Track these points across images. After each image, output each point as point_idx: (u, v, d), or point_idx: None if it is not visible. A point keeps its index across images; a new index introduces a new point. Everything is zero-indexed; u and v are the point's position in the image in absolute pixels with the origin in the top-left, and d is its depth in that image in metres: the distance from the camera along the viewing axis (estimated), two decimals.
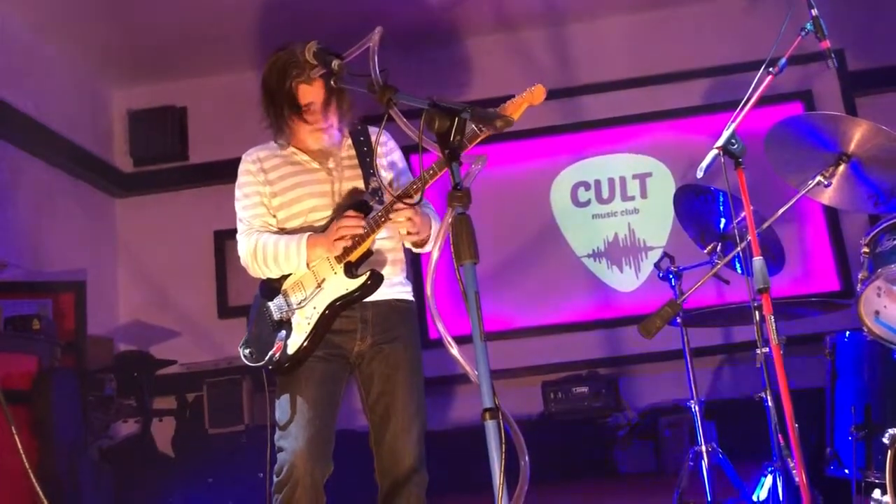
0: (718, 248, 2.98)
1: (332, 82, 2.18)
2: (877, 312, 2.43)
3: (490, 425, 1.46)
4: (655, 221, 5.89)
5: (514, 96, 2.53)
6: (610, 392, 5.54)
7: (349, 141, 2.72)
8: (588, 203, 6.08)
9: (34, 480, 2.76)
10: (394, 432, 2.61)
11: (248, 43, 5.71)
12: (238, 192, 2.75)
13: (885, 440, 2.33)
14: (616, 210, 6.04)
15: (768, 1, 5.56)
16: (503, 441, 1.45)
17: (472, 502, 3.41)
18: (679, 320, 3.14)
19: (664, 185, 5.93)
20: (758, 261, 2.25)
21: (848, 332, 2.79)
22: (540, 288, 5.96)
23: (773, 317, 2.21)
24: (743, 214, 2.43)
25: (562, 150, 6.16)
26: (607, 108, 6.06)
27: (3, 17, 5.05)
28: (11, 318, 4.00)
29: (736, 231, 2.65)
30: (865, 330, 2.42)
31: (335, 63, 2.09)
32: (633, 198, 6.03)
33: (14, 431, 3.09)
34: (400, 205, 2.48)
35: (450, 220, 1.64)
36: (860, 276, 2.45)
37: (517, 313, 5.91)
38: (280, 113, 2.58)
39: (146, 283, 6.18)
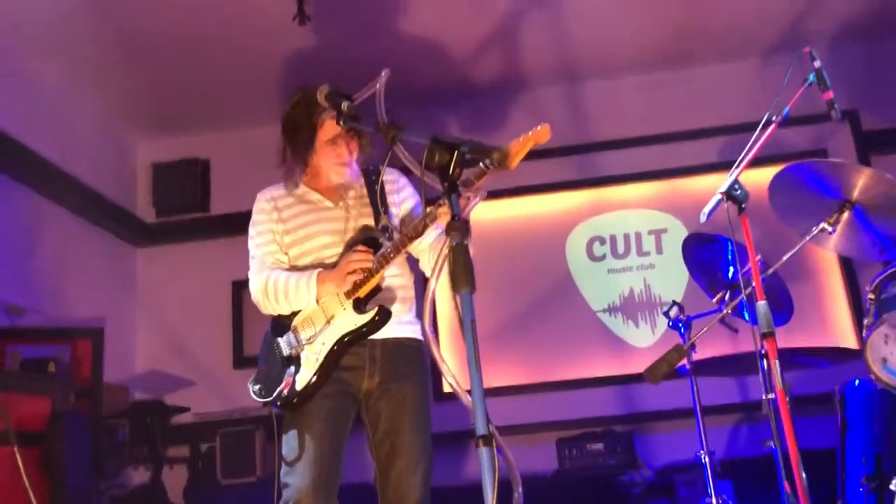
0: (727, 296, 2.98)
1: (339, 122, 2.24)
2: (884, 360, 2.41)
3: (483, 452, 1.47)
4: (671, 277, 5.88)
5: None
6: (626, 449, 5.45)
7: (362, 180, 2.78)
8: (603, 258, 6.09)
9: None
10: (399, 471, 2.60)
11: (271, 97, 5.82)
12: (252, 230, 2.81)
13: (894, 486, 2.29)
14: (632, 265, 6.05)
15: (781, 62, 5.63)
16: (496, 468, 1.46)
17: None
18: (688, 367, 3.12)
19: (680, 241, 5.92)
20: (761, 305, 2.25)
21: (857, 381, 2.77)
22: (555, 342, 5.93)
23: (777, 361, 2.20)
24: (749, 264, 2.44)
25: (577, 205, 6.21)
26: (623, 164, 6.11)
27: (33, 65, 5.21)
28: (28, 360, 4.05)
29: (742, 280, 2.65)
30: (873, 377, 2.40)
31: (344, 104, 2.16)
32: (648, 253, 6.04)
33: (23, 473, 3.10)
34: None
35: (446, 249, 1.67)
36: (865, 322, 2.45)
37: (532, 368, 5.88)
38: (302, 148, 2.65)
39: (164, 331, 6.23)
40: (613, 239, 6.10)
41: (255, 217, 2.82)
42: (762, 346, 2.24)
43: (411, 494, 2.60)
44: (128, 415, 5.03)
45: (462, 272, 1.63)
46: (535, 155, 6.48)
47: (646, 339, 5.92)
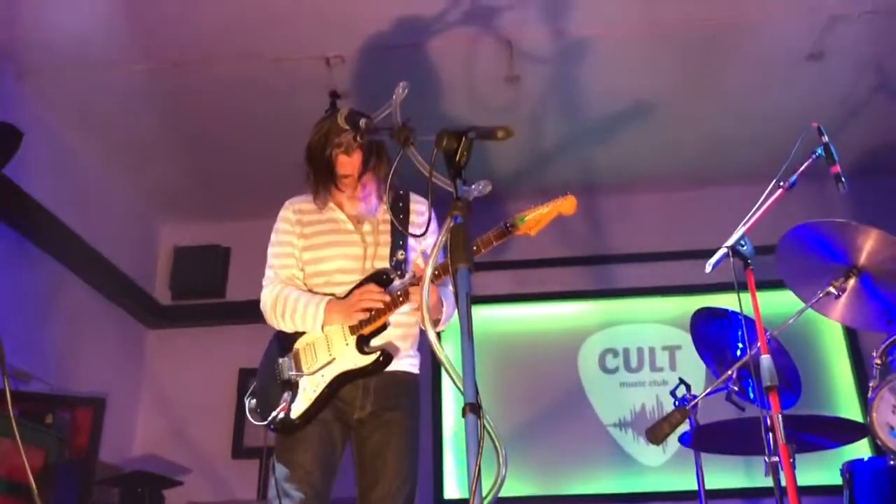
0: (734, 374, 2.92)
1: (357, 138, 2.30)
2: (891, 427, 2.33)
3: (469, 419, 1.44)
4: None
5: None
6: None
7: (386, 207, 2.80)
8: (616, 370, 6.00)
9: None
10: (379, 496, 2.55)
11: (295, 191, 6.00)
12: (273, 237, 2.84)
13: None
14: (644, 380, 5.95)
15: (799, 188, 5.71)
16: (482, 438, 1.43)
17: None
18: (691, 434, 3.02)
19: (693, 359, 5.84)
20: (765, 359, 2.21)
21: (866, 458, 2.66)
22: (563, 454, 5.77)
23: (780, 417, 2.13)
24: (758, 344, 2.40)
25: (592, 316, 6.18)
26: (639, 278, 6.13)
27: (72, 142, 5.41)
28: (26, 410, 4.01)
29: (751, 359, 2.61)
30: (879, 443, 2.32)
31: (362, 122, 2.22)
32: (661, 369, 5.95)
33: None
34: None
35: (448, 227, 1.70)
36: (871, 384, 2.38)
37: (538, 479, 5.69)
38: (320, 178, 2.71)
39: (165, 414, 6.15)
40: (627, 352, 6.04)
41: (278, 225, 2.85)
42: (766, 402, 2.18)
43: None
44: (120, 482, 4.90)
45: (461, 250, 1.65)
46: (551, 263, 6.55)
47: (657, 459, 5.74)
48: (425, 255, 2.74)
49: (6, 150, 4.29)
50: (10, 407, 2.30)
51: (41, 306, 5.19)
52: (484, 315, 6.11)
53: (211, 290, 6.41)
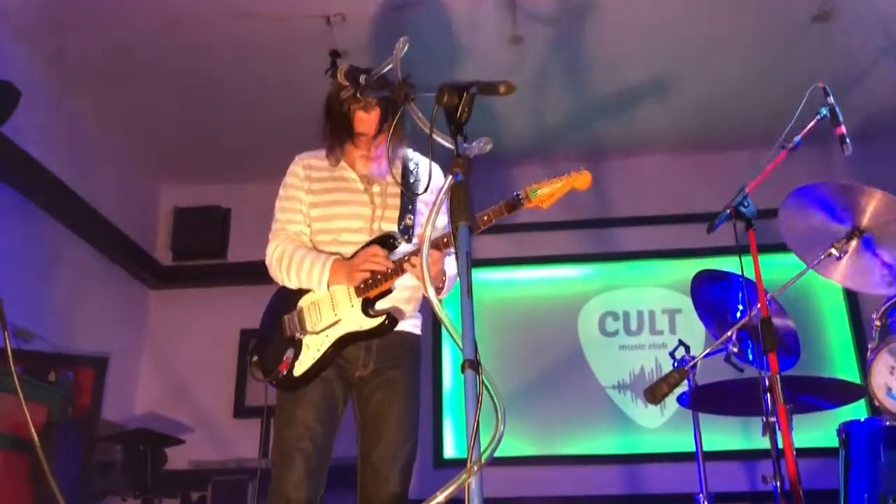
0: (734, 336, 2.92)
1: (357, 94, 2.27)
2: (889, 388, 2.34)
3: (468, 375, 1.44)
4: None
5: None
6: None
7: (399, 171, 2.78)
8: (616, 333, 6.03)
9: None
10: (380, 455, 2.55)
11: (296, 152, 5.97)
12: (281, 192, 2.81)
13: None
14: (644, 343, 5.97)
15: (802, 151, 5.68)
16: (481, 394, 1.43)
17: None
18: (689, 394, 3.03)
19: (694, 323, 5.86)
20: (765, 320, 2.21)
21: (863, 418, 2.68)
22: (561, 416, 5.82)
23: (779, 377, 2.14)
24: (759, 306, 2.40)
25: (593, 279, 6.19)
26: (640, 241, 6.12)
27: (73, 102, 5.38)
28: (29, 368, 4.04)
29: (751, 319, 2.61)
30: (877, 404, 2.33)
31: (362, 77, 2.19)
32: (661, 332, 5.97)
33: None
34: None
35: (448, 184, 1.68)
36: (870, 345, 2.39)
37: (536, 439, 5.75)
38: (336, 134, 2.67)
39: (167, 374, 6.19)
40: (627, 315, 6.06)
41: (286, 180, 2.82)
42: (766, 364, 2.18)
43: (391, 480, 2.54)
44: (123, 440, 4.95)
45: (462, 207, 1.64)
46: (553, 226, 6.52)
47: (654, 420, 5.79)
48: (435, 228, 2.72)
49: (4, 108, 4.27)
50: (11, 363, 2.31)
51: (43, 266, 5.20)
52: (485, 278, 6.12)
53: (212, 251, 6.41)
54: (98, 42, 4.88)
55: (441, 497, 1.42)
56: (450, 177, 1.68)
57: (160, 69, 5.19)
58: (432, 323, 5.75)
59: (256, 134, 5.93)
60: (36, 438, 2.23)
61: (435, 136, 1.79)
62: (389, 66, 2.05)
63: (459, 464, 5.73)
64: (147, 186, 6.52)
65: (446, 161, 1.77)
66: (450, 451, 5.79)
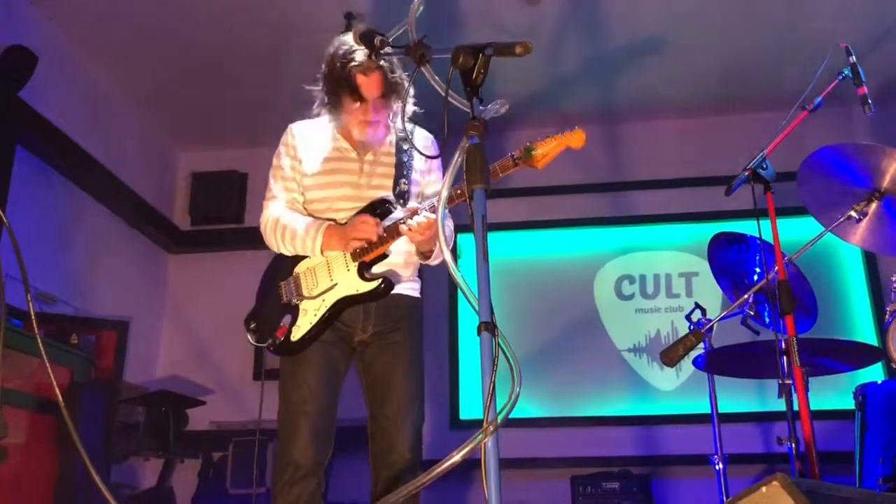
0: (750, 299, 2.92)
1: (371, 56, 2.27)
2: None
3: (484, 337, 1.46)
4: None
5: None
6: (642, 492, 5.30)
7: (393, 138, 2.78)
8: (632, 297, 6.03)
9: None
10: (388, 417, 2.58)
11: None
12: (274, 161, 2.83)
13: None
14: (660, 306, 5.98)
15: (822, 113, 5.61)
16: (496, 356, 1.45)
17: None
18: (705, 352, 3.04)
19: (710, 286, 5.86)
20: (783, 282, 2.21)
21: (879, 381, 2.68)
22: (577, 378, 5.85)
23: (795, 339, 2.15)
24: (776, 269, 2.39)
25: (609, 242, 6.19)
26: (657, 205, 6.10)
27: (90, 67, 5.40)
28: (51, 331, 4.11)
29: (768, 281, 2.61)
30: (895, 366, 2.33)
31: (377, 39, 2.18)
32: (678, 295, 5.97)
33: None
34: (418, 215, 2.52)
35: (464, 146, 1.68)
36: (888, 308, 2.39)
37: (551, 402, 5.79)
38: (335, 96, 2.65)
39: (188, 338, 6.27)
40: (643, 279, 6.06)
41: (279, 149, 2.84)
42: (782, 327, 2.19)
43: (401, 440, 2.57)
44: (145, 401, 5.04)
45: (477, 170, 1.64)
46: (569, 189, 6.50)
47: (670, 383, 5.81)
48: (425, 197, 2.73)
49: (21, 73, 4.28)
50: (35, 326, 2.35)
51: (63, 231, 5.25)
52: (501, 241, 6.13)
53: (230, 216, 6.45)
54: (114, 7, 4.88)
55: (457, 457, 1.45)
56: (465, 139, 1.68)
57: (178, 35, 5.19)
58: (448, 285, 5.80)
59: (274, 98, 5.91)
60: (60, 399, 2.28)
61: (450, 99, 1.79)
62: (405, 28, 2.04)
63: (475, 425, 5.79)
64: (165, 152, 6.55)
65: (458, 126, 1.75)
66: (466, 412, 5.84)
